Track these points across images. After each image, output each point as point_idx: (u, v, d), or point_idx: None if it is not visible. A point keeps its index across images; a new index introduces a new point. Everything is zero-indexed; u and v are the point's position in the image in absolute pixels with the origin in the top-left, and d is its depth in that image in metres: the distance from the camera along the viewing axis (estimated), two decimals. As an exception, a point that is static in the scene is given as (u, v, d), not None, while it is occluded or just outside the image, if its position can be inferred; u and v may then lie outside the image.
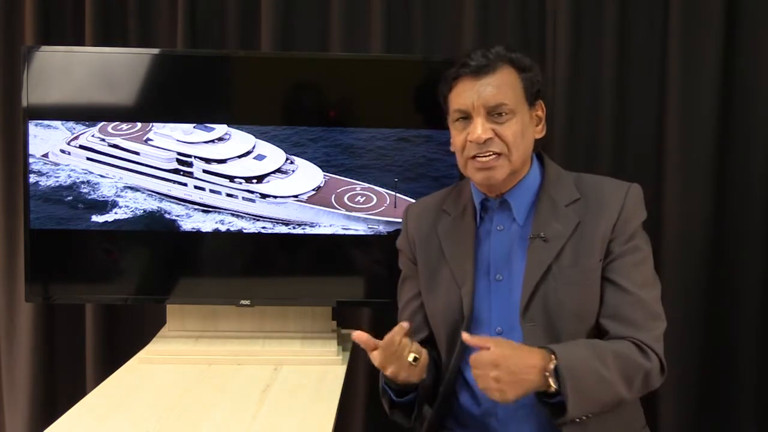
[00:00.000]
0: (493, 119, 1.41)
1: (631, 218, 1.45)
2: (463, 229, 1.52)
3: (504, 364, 1.25)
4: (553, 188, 1.48)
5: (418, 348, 1.37)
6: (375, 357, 1.36)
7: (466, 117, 1.43)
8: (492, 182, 1.44)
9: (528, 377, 1.27)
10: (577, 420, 1.33)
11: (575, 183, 1.49)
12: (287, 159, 1.86)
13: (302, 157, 1.86)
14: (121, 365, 1.80)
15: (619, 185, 1.48)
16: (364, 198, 1.86)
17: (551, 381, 1.28)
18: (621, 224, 1.43)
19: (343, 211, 1.86)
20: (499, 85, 1.41)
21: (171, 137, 1.85)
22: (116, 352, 2.19)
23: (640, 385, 1.39)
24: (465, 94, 1.42)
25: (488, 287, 1.47)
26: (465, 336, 1.30)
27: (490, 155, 1.41)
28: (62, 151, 1.85)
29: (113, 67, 1.84)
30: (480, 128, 1.40)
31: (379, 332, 2.13)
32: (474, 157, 1.42)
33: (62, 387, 2.30)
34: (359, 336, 1.34)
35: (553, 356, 1.30)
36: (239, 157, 1.85)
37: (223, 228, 1.87)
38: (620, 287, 1.42)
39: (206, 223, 1.87)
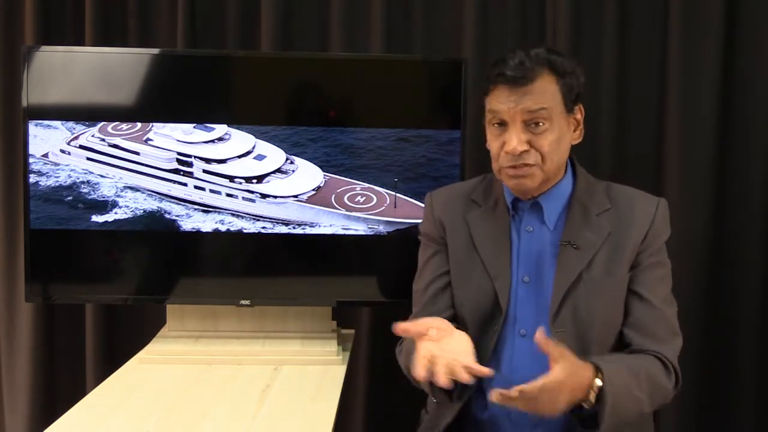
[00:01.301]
0: (529, 129, 1.38)
1: (660, 233, 1.48)
2: (496, 222, 1.50)
3: (563, 388, 1.24)
4: (584, 196, 1.48)
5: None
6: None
7: (502, 123, 1.40)
8: (524, 189, 1.43)
9: (577, 395, 1.27)
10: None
11: (605, 192, 1.50)
12: (287, 159, 1.86)
13: (302, 157, 1.86)
14: (121, 365, 1.80)
15: (649, 198, 1.50)
16: (364, 198, 1.86)
17: (592, 397, 1.28)
18: (650, 237, 1.45)
19: (343, 211, 1.86)
20: (537, 95, 1.37)
21: (171, 137, 1.85)
22: (116, 352, 2.19)
23: (660, 402, 1.42)
24: (502, 101, 1.38)
25: (516, 287, 1.46)
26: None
27: (523, 166, 1.39)
28: (62, 151, 1.85)
29: (113, 67, 1.84)
30: (515, 140, 1.37)
31: (378, 332, 2.16)
32: (507, 167, 1.41)
33: (62, 387, 2.30)
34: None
35: (598, 374, 1.29)
36: (239, 157, 1.85)
37: (223, 228, 1.87)
38: (645, 300, 1.43)
39: (206, 223, 1.87)
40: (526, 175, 1.40)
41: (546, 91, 1.38)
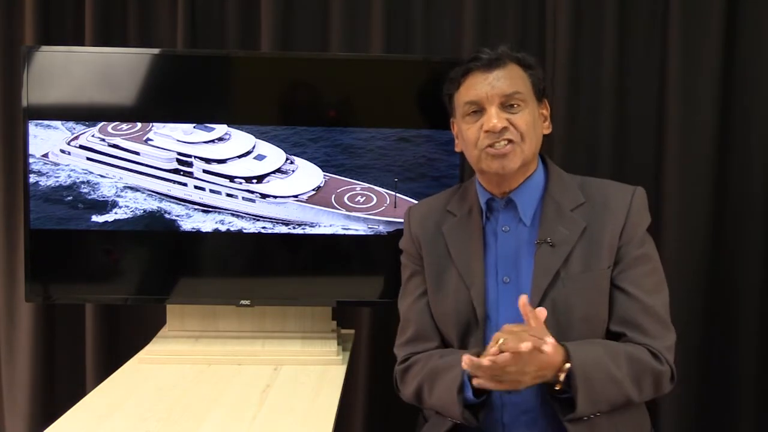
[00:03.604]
0: (506, 110, 1.43)
1: (639, 223, 1.46)
2: (469, 229, 1.51)
3: (532, 361, 1.26)
4: (557, 192, 1.48)
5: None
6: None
7: (479, 110, 1.44)
8: (506, 171, 1.43)
9: (544, 373, 1.30)
10: (585, 418, 1.35)
11: (579, 187, 1.50)
12: (287, 159, 1.86)
13: (302, 157, 1.86)
14: (121, 365, 1.80)
15: (624, 189, 1.49)
16: (364, 198, 1.86)
17: (561, 378, 1.30)
18: (629, 229, 1.44)
19: (343, 211, 1.86)
20: (510, 79, 1.43)
21: (171, 137, 1.85)
22: (116, 352, 2.19)
23: (650, 388, 1.41)
24: (478, 86, 1.43)
25: (496, 289, 1.47)
26: (523, 299, 1.27)
27: (504, 143, 1.42)
28: (62, 151, 1.85)
29: (113, 67, 1.84)
30: (495, 117, 1.41)
31: (378, 332, 2.16)
32: (487, 147, 1.43)
33: (62, 387, 2.30)
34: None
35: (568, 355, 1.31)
36: (239, 157, 1.85)
37: (223, 228, 1.87)
38: (631, 296, 1.42)
39: (206, 223, 1.87)
40: (507, 154, 1.42)
41: (518, 75, 1.45)
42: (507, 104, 1.42)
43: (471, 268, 1.48)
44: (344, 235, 1.87)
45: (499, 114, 1.41)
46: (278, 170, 1.86)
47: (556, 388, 1.33)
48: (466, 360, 1.25)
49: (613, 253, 1.44)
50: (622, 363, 1.36)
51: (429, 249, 1.55)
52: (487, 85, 1.42)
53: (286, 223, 1.87)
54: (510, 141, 1.42)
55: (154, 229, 1.87)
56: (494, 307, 1.46)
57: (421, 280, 1.56)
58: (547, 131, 1.51)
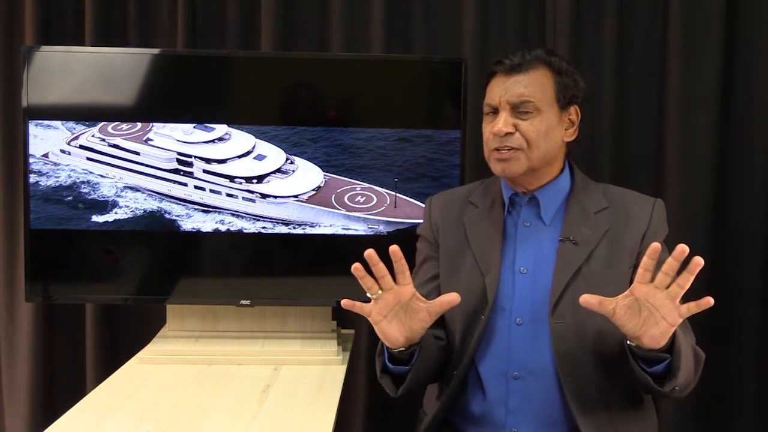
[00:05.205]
0: (517, 115, 1.45)
1: (658, 232, 1.50)
2: (490, 220, 1.54)
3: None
4: (582, 195, 1.52)
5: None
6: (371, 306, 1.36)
7: (494, 112, 1.47)
8: (508, 175, 1.47)
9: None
10: (675, 389, 1.32)
11: (603, 193, 1.54)
12: (287, 159, 1.86)
13: (302, 157, 1.86)
14: (121, 365, 1.80)
15: (645, 199, 1.54)
16: (364, 198, 1.86)
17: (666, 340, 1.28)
18: (650, 237, 1.47)
19: (343, 211, 1.86)
20: (527, 84, 1.45)
21: (171, 137, 1.85)
22: (116, 352, 2.19)
23: (697, 375, 1.41)
24: (495, 89, 1.47)
25: (512, 278, 1.48)
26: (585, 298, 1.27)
27: (507, 150, 1.45)
28: (62, 151, 1.85)
29: (113, 67, 1.84)
30: (501, 122, 1.44)
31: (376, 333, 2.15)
32: (494, 150, 1.46)
33: (62, 387, 2.30)
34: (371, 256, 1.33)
35: None
36: (239, 157, 1.86)
37: (223, 228, 1.87)
38: None
39: (206, 223, 1.87)
40: (509, 159, 1.45)
41: (537, 82, 1.45)
42: (518, 110, 1.45)
43: (488, 256, 1.50)
44: (344, 235, 1.87)
45: (507, 119, 1.44)
46: (278, 170, 1.86)
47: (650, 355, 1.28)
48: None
49: (634, 257, 1.46)
50: (688, 346, 1.36)
51: (447, 235, 1.57)
52: (502, 89, 1.46)
53: (286, 223, 1.87)
54: (512, 148, 1.44)
55: (154, 229, 1.87)
56: (509, 296, 1.47)
57: (433, 265, 1.59)
58: (569, 138, 1.51)
